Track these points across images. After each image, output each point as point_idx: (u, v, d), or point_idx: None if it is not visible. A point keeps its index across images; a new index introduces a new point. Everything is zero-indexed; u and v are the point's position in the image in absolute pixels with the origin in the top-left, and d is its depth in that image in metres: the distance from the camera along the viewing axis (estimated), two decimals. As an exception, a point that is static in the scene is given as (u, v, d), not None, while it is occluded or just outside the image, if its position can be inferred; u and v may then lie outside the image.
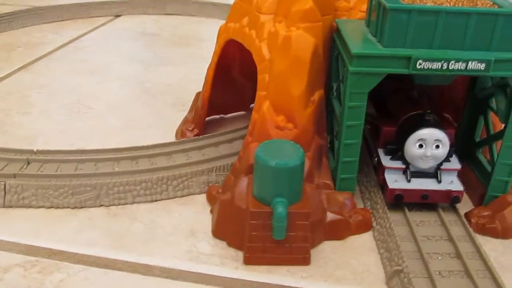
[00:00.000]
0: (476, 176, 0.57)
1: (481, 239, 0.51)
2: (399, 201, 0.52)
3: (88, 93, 0.81)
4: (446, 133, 0.50)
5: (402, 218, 0.52)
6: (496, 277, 0.44)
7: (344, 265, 0.48)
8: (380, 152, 0.54)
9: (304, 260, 0.47)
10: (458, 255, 0.47)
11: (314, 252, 0.49)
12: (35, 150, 0.59)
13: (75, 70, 0.89)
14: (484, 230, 0.52)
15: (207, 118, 0.70)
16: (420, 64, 0.46)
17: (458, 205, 0.55)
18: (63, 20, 1.12)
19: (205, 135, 0.64)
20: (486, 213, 0.53)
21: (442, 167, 0.52)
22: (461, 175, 0.60)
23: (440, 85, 0.53)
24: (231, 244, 0.49)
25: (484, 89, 0.55)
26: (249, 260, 0.47)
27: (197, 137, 0.63)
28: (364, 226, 0.52)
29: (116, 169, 0.57)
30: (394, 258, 0.46)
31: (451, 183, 0.52)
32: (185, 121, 0.67)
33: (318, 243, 0.50)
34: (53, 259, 0.47)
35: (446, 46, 0.46)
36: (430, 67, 0.46)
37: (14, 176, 0.54)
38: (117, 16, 1.19)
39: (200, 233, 0.51)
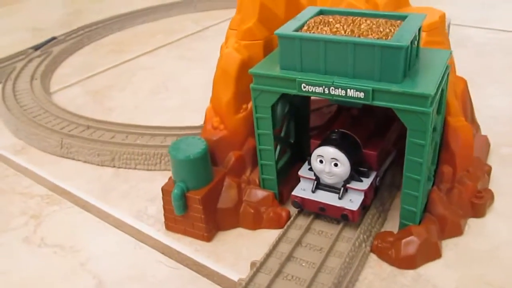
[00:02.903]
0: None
1: (375, 262, 0.53)
2: (299, 207, 0.56)
3: (175, 77, 1.00)
4: (346, 154, 0.52)
5: (306, 223, 0.56)
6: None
7: (234, 249, 0.56)
8: (307, 162, 0.58)
9: (203, 237, 0.58)
10: (317, 267, 0.50)
11: (222, 233, 0.59)
12: (97, 119, 0.82)
13: (182, 57, 1.10)
14: (381, 255, 0.53)
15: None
16: (304, 87, 0.50)
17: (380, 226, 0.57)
18: (216, 9, 1.35)
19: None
20: (390, 239, 0.53)
21: (348, 185, 0.54)
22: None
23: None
24: (169, 212, 0.63)
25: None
26: (167, 227, 0.60)
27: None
28: (275, 223, 0.58)
29: (138, 141, 0.76)
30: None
31: (350, 201, 0.54)
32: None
33: (230, 227, 0.59)
34: (60, 195, 0.68)
35: (331, 72, 0.49)
36: (314, 91, 0.50)
37: (71, 136, 0.78)
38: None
39: (158, 200, 0.65)
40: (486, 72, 0.93)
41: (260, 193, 0.60)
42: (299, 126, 0.65)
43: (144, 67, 1.07)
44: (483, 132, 0.72)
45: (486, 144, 0.67)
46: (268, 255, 0.53)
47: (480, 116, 0.77)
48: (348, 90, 0.48)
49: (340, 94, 0.49)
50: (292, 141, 0.64)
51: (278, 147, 0.61)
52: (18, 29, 1.36)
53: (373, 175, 0.56)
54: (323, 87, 0.49)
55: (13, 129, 0.83)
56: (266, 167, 0.59)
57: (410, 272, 0.52)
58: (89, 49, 1.19)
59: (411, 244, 0.52)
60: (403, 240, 0.52)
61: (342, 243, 0.54)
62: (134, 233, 0.61)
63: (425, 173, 0.50)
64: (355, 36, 0.48)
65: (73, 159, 0.76)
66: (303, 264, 0.52)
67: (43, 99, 0.90)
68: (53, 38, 1.20)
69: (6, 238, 0.61)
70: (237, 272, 0.53)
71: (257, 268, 0.51)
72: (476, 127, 0.70)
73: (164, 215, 0.60)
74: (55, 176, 0.72)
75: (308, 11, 0.55)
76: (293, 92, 0.51)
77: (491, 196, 0.59)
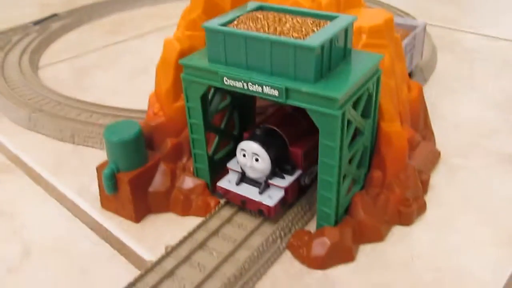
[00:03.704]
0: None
1: (289, 259, 0.54)
2: (224, 198, 0.57)
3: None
4: (266, 150, 0.53)
5: (229, 215, 0.57)
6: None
7: (158, 233, 0.58)
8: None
9: (132, 217, 0.59)
10: (224, 256, 0.51)
11: (153, 216, 0.60)
12: (75, 97, 0.85)
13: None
14: (294, 253, 0.54)
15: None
16: (226, 80, 0.51)
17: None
18: None
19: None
20: (305, 238, 0.54)
21: (270, 181, 0.55)
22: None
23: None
24: (108, 191, 0.65)
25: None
26: (102, 205, 0.62)
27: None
28: (203, 212, 0.60)
29: (100, 121, 0.78)
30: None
31: (268, 197, 0.54)
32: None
33: (161, 211, 0.61)
34: (17, 165, 0.71)
35: (252, 68, 0.50)
36: (234, 85, 0.51)
37: (41, 110, 0.80)
38: None
39: (104, 178, 0.68)
40: (466, 79, 0.91)
41: (192, 181, 0.61)
42: (244, 119, 0.65)
43: (132, 50, 1.09)
44: (440, 140, 0.71)
45: (431, 153, 0.66)
46: (182, 241, 0.54)
47: (443, 123, 0.76)
48: (264, 87, 0.49)
49: (257, 90, 0.49)
50: (236, 134, 0.65)
51: (217, 138, 0.62)
52: (27, 4, 1.40)
53: (298, 173, 0.56)
54: (242, 82, 0.50)
55: (-7, 99, 0.87)
56: (199, 156, 0.60)
57: (319, 272, 0.52)
58: (86, 28, 1.22)
59: (321, 245, 0.52)
60: (315, 240, 0.52)
61: (256, 237, 0.54)
62: (72, 207, 0.63)
63: (338, 175, 0.50)
64: (276, 34, 0.49)
65: (38, 132, 0.78)
66: (213, 254, 0.53)
67: (27, 73, 0.94)
68: (54, 15, 1.24)
69: (-46, 201, 0.65)
70: (153, 254, 0.54)
71: (168, 252, 0.52)
72: (429, 135, 0.69)
73: (100, 193, 0.62)
74: (17, 147, 0.75)
75: (248, 6, 0.56)
76: (217, 85, 0.52)
77: (421, 206, 0.59)
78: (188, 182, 0.61)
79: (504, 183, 0.64)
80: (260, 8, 0.56)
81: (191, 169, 0.62)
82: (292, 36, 0.48)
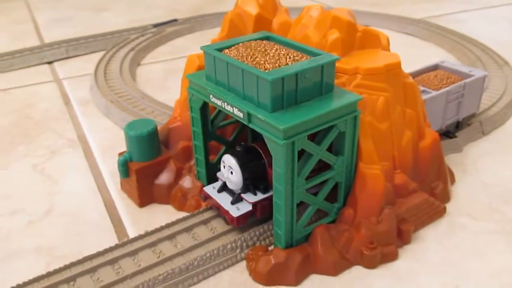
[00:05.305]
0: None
1: (243, 268, 0.58)
2: (205, 201, 0.63)
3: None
4: (240, 165, 0.58)
5: (208, 217, 0.63)
6: None
7: (153, 219, 0.66)
8: None
9: (137, 202, 0.69)
10: (181, 251, 0.58)
11: (156, 205, 0.69)
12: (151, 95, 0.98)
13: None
14: (248, 264, 0.58)
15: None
16: (212, 98, 0.57)
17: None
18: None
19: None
20: (259, 252, 0.57)
21: (243, 194, 0.60)
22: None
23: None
24: (133, 177, 0.75)
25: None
26: (121, 187, 0.73)
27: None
28: (193, 210, 0.66)
29: (157, 118, 0.89)
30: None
31: (237, 208, 0.59)
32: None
33: (163, 202, 0.69)
34: (81, 143, 0.86)
35: (233, 90, 0.55)
36: (216, 103, 0.57)
37: (116, 101, 0.95)
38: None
39: (137, 166, 0.78)
40: (535, 140, 0.83)
41: (192, 182, 0.68)
42: (258, 133, 0.71)
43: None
44: (459, 196, 0.69)
45: (427, 204, 0.63)
46: (158, 230, 0.62)
47: (473, 180, 0.73)
48: (234, 108, 0.54)
49: (230, 110, 0.55)
50: (246, 148, 0.71)
51: (224, 149, 0.69)
52: (160, 7, 1.60)
53: (271, 193, 0.60)
54: (221, 101, 0.56)
55: (90, 86, 1.05)
56: (199, 161, 0.67)
57: (261, 287, 0.56)
58: (196, 35, 1.36)
59: (266, 262, 0.55)
60: (263, 257, 0.56)
61: (218, 241, 0.60)
62: (101, 184, 0.75)
63: (290, 200, 0.53)
64: (253, 63, 0.54)
65: (109, 119, 0.93)
66: (178, 246, 0.59)
67: (125, 69, 1.10)
68: (174, 20, 1.40)
69: (22, 162, 0.81)
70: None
71: (141, 235, 0.60)
72: (441, 187, 0.66)
73: (120, 177, 0.72)
74: (88, 128, 0.90)
75: (255, 35, 0.61)
76: (208, 100, 0.59)
77: (390, 253, 0.58)
78: (188, 182, 0.68)
79: (500, 256, 0.59)
80: (266, 38, 0.61)
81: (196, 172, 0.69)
82: (264, 67, 0.53)
